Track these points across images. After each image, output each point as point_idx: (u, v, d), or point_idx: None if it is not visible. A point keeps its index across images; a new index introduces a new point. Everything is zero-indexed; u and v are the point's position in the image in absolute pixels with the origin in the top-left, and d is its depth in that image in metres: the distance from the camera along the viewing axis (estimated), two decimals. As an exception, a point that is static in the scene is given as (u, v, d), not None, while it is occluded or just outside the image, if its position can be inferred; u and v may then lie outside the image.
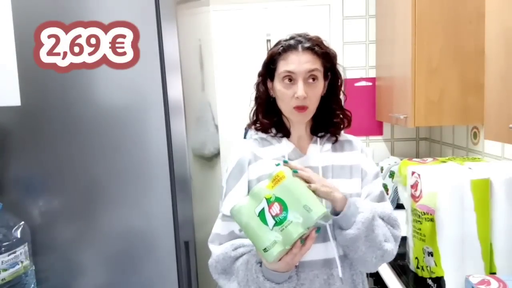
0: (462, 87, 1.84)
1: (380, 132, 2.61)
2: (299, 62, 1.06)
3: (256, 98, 1.18)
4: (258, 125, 1.17)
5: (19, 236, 1.17)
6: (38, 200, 1.31)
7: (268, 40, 2.53)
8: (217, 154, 1.99)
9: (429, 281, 1.32)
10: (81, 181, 1.31)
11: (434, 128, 2.49)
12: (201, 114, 1.68)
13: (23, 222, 1.21)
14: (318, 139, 1.16)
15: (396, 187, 2.12)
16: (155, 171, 1.31)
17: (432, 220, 1.28)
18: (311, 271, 1.05)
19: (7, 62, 1.03)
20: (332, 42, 2.53)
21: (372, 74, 2.55)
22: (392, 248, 1.08)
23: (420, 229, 1.33)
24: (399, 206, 2.11)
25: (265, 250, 0.90)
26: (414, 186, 1.36)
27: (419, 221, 1.33)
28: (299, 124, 1.14)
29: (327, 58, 1.11)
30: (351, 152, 1.18)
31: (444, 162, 1.46)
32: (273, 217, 0.93)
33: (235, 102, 2.54)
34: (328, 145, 1.16)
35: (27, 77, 1.24)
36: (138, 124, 1.30)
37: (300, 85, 1.05)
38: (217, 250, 1.08)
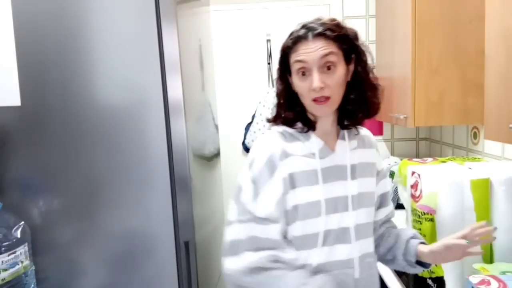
0: (462, 87, 1.83)
1: (380, 132, 2.60)
2: (310, 51, 0.97)
3: (277, 95, 1.10)
4: (282, 119, 1.08)
5: (19, 236, 1.17)
6: (38, 200, 1.31)
7: (268, 40, 2.54)
8: (217, 154, 1.99)
9: (429, 281, 1.32)
10: (81, 181, 1.31)
11: (434, 128, 2.49)
12: (201, 114, 1.68)
13: (23, 222, 1.21)
14: (346, 134, 1.09)
15: (396, 187, 2.12)
16: (155, 171, 1.31)
17: (432, 220, 1.28)
18: (330, 271, 1.02)
19: (7, 62, 1.03)
20: (332, 42, 2.53)
21: (372, 74, 2.55)
22: None
23: (420, 229, 1.33)
24: (399, 206, 2.11)
25: None
26: (414, 186, 1.36)
27: (419, 221, 1.33)
28: (323, 118, 1.06)
29: (344, 40, 1.00)
30: (370, 150, 1.15)
31: (444, 162, 1.46)
32: None
33: (235, 102, 2.54)
34: (355, 142, 1.11)
35: (27, 77, 1.24)
36: (138, 124, 1.30)
37: (315, 75, 0.97)
38: (253, 257, 0.97)
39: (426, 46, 1.83)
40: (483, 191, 1.24)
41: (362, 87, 1.05)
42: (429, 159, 1.50)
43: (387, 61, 2.29)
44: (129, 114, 1.30)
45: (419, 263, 1.10)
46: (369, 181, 1.11)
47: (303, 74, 1.00)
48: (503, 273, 1.10)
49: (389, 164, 2.29)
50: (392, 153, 2.61)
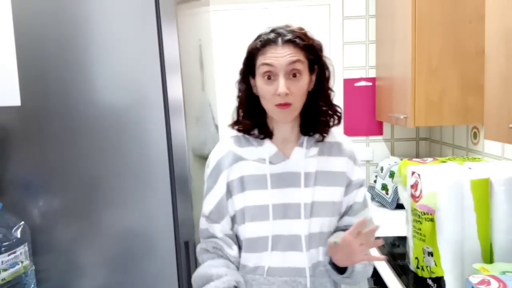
0: (462, 87, 1.84)
1: (380, 132, 2.61)
2: (279, 56, 0.98)
3: (238, 97, 1.11)
4: (240, 126, 1.11)
5: (19, 236, 1.17)
6: (38, 200, 1.31)
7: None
8: (217, 154, 1.99)
9: (429, 281, 1.32)
10: (81, 181, 1.31)
11: (434, 128, 2.49)
12: (201, 114, 1.68)
13: (23, 222, 1.21)
14: (305, 141, 1.09)
15: (396, 187, 2.12)
16: (155, 171, 1.31)
17: (432, 220, 1.28)
18: (281, 277, 1.05)
19: (7, 62, 1.03)
20: (332, 42, 2.53)
21: (372, 74, 2.55)
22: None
23: (420, 229, 1.33)
24: (399, 206, 2.11)
25: None
26: (414, 186, 1.36)
27: (419, 221, 1.33)
28: (283, 124, 1.07)
29: (311, 50, 1.03)
30: (339, 158, 1.11)
31: (444, 162, 1.46)
32: None
33: (235, 102, 2.53)
34: (315, 149, 1.09)
35: (27, 77, 1.24)
36: (138, 124, 1.30)
37: (281, 80, 0.98)
38: (200, 257, 1.13)
39: (426, 46, 1.83)
40: (483, 191, 1.24)
41: (322, 98, 1.08)
42: (429, 159, 1.50)
43: (387, 61, 2.29)
44: (129, 114, 1.30)
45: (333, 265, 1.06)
46: (330, 190, 1.08)
47: (269, 78, 1.00)
48: (503, 273, 1.10)
49: (389, 164, 2.29)
50: (392, 153, 2.61)
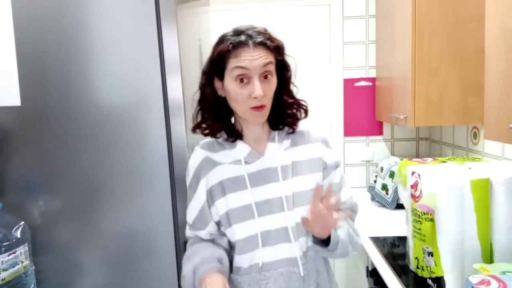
0: (462, 87, 1.84)
1: (380, 132, 2.61)
2: (252, 58, 0.98)
3: (202, 100, 1.10)
4: (205, 129, 1.10)
5: (19, 236, 1.17)
6: (38, 200, 1.31)
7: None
8: (217, 154, 1.99)
9: (429, 281, 1.32)
10: (81, 181, 1.31)
11: (434, 128, 2.49)
12: (201, 114, 1.67)
13: (23, 222, 1.21)
14: (276, 136, 1.11)
15: (396, 187, 2.12)
16: (155, 171, 1.31)
17: (432, 220, 1.28)
18: (276, 269, 1.07)
19: (7, 62, 1.03)
20: (332, 42, 2.54)
21: (372, 74, 2.55)
22: (360, 240, 1.15)
23: (420, 229, 1.33)
24: (399, 206, 2.11)
25: None
26: (414, 186, 1.36)
27: (419, 221, 1.33)
28: (255, 124, 1.09)
29: (279, 51, 1.05)
30: (311, 145, 1.14)
31: (444, 162, 1.46)
32: None
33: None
34: (287, 141, 1.12)
35: (27, 77, 1.24)
36: (138, 124, 1.30)
37: (257, 84, 0.99)
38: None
39: (426, 46, 1.83)
40: (483, 191, 1.24)
41: (286, 94, 1.10)
42: (429, 159, 1.50)
43: (387, 61, 2.29)
44: (129, 114, 1.30)
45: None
46: (308, 178, 1.10)
47: (242, 80, 1.00)
48: (503, 273, 1.10)
49: (389, 164, 2.29)
50: (392, 153, 2.61)
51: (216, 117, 1.09)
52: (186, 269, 1.05)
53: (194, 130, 1.12)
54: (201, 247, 1.09)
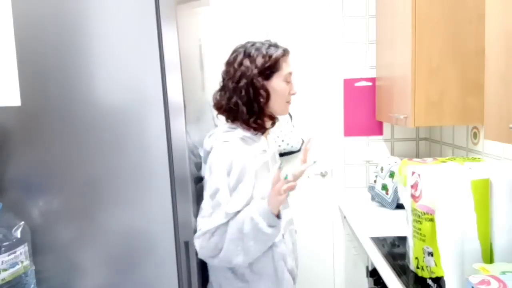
0: (462, 87, 1.84)
1: (380, 132, 2.61)
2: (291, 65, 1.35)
3: (259, 97, 1.31)
4: (256, 124, 1.33)
5: (19, 236, 1.17)
6: (38, 200, 1.31)
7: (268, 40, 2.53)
8: (217, 154, 1.99)
9: (429, 281, 1.32)
10: (81, 181, 1.31)
11: (434, 128, 2.49)
12: (201, 114, 1.68)
13: (23, 222, 1.21)
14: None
15: (396, 187, 2.12)
16: (155, 171, 1.31)
17: (432, 220, 1.28)
18: (289, 227, 1.43)
19: (7, 62, 1.03)
20: (332, 42, 2.53)
21: (372, 74, 2.55)
22: None
23: (420, 229, 1.33)
24: (399, 206, 2.11)
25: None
26: (414, 186, 1.36)
27: (419, 221, 1.33)
28: (282, 115, 1.43)
29: None
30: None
31: (444, 162, 1.46)
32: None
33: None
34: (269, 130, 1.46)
35: (27, 77, 1.24)
36: (138, 124, 1.30)
37: (293, 84, 1.37)
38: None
39: (426, 46, 1.83)
40: (483, 191, 1.24)
41: None
42: (429, 159, 1.50)
43: (387, 61, 2.29)
44: (129, 114, 1.30)
45: None
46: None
47: (287, 81, 1.35)
48: (503, 273, 1.10)
49: (389, 164, 2.29)
50: (392, 153, 2.61)
51: (261, 113, 1.34)
52: (248, 225, 1.22)
53: (246, 122, 1.33)
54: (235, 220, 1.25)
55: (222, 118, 1.41)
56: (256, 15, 2.53)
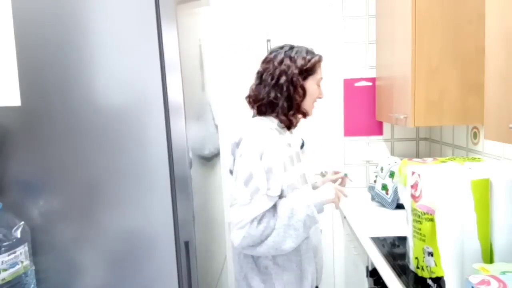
0: (462, 87, 1.84)
1: (380, 132, 2.61)
2: None
3: (299, 96, 1.40)
4: (293, 118, 1.43)
5: (19, 236, 1.17)
6: (38, 200, 1.31)
7: (268, 40, 2.54)
8: (217, 154, 1.99)
9: (429, 281, 1.32)
10: (81, 181, 1.31)
11: (434, 128, 2.49)
12: (201, 114, 1.68)
13: (23, 222, 1.21)
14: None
15: (396, 187, 2.12)
16: (155, 171, 1.31)
17: (432, 220, 1.28)
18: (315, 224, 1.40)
19: (7, 62, 1.03)
20: (332, 42, 2.54)
21: (372, 74, 2.56)
22: None
23: (420, 229, 1.33)
24: (399, 206, 2.11)
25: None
26: (414, 186, 1.36)
27: (419, 221, 1.33)
28: (309, 116, 1.50)
29: None
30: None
31: (444, 162, 1.46)
32: None
33: (235, 102, 2.54)
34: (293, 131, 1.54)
35: (27, 77, 1.24)
36: (138, 124, 1.30)
37: (321, 88, 1.48)
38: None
39: (425, 46, 1.83)
40: (483, 191, 1.24)
41: None
42: (429, 159, 1.50)
43: (387, 61, 2.29)
44: (129, 114, 1.30)
45: None
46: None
47: (318, 85, 1.46)
48: (503, 273, 1.10)
49: (389, 164, 2.29)
50: (392, 153, 2.61)
51: (298, 109, 1.43)
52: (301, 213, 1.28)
53: (285, 115, 1.41)
54: (282, 203, 1.31)
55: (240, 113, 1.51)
56: (256, 15, 2.53)
